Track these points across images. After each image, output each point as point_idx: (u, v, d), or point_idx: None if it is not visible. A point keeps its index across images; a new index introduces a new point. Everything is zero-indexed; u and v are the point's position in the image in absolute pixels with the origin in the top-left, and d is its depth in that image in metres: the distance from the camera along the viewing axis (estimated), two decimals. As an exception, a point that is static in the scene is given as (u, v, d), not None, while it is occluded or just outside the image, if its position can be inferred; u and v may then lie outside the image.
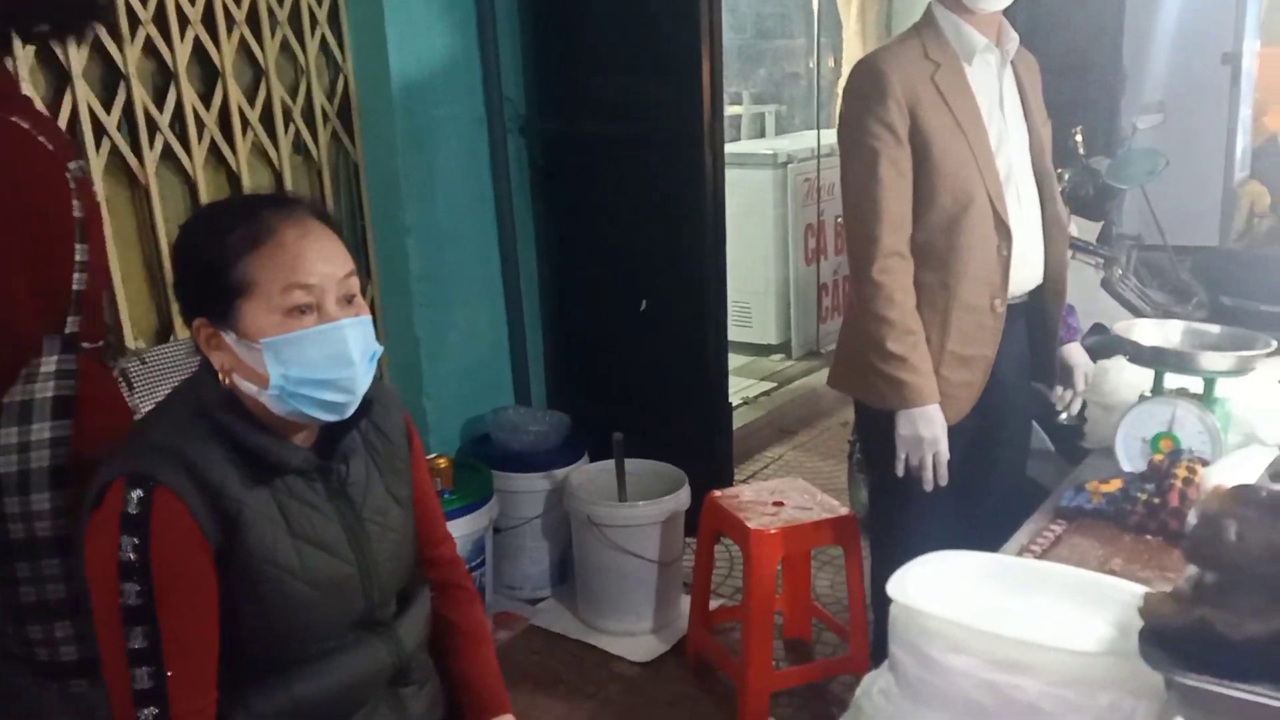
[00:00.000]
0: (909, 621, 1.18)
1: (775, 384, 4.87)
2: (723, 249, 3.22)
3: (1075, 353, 2.21)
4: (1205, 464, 1.75)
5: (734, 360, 5.12)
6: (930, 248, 1.97)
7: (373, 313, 3.05)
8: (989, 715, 1.10)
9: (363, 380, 1.27)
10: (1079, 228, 4.12)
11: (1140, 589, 1.23)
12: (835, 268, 5.34)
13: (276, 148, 2.82)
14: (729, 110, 6.45)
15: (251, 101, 2.76)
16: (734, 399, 4.61)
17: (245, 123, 2.73)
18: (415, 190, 3.05)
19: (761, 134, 6.47)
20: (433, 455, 2.86)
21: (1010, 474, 2.24)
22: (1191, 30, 6.59)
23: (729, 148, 5.67)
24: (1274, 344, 1.86)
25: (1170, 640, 0.85)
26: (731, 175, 5.08)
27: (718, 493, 2.79)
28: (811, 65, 6.35)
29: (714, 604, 2.99)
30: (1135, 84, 6.52)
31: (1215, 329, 1.97)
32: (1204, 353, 1.87)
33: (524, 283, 3.42)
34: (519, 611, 3.15)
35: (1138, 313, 3.57)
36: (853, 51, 6.37)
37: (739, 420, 4.40)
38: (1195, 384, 1.88)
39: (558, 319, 3.55)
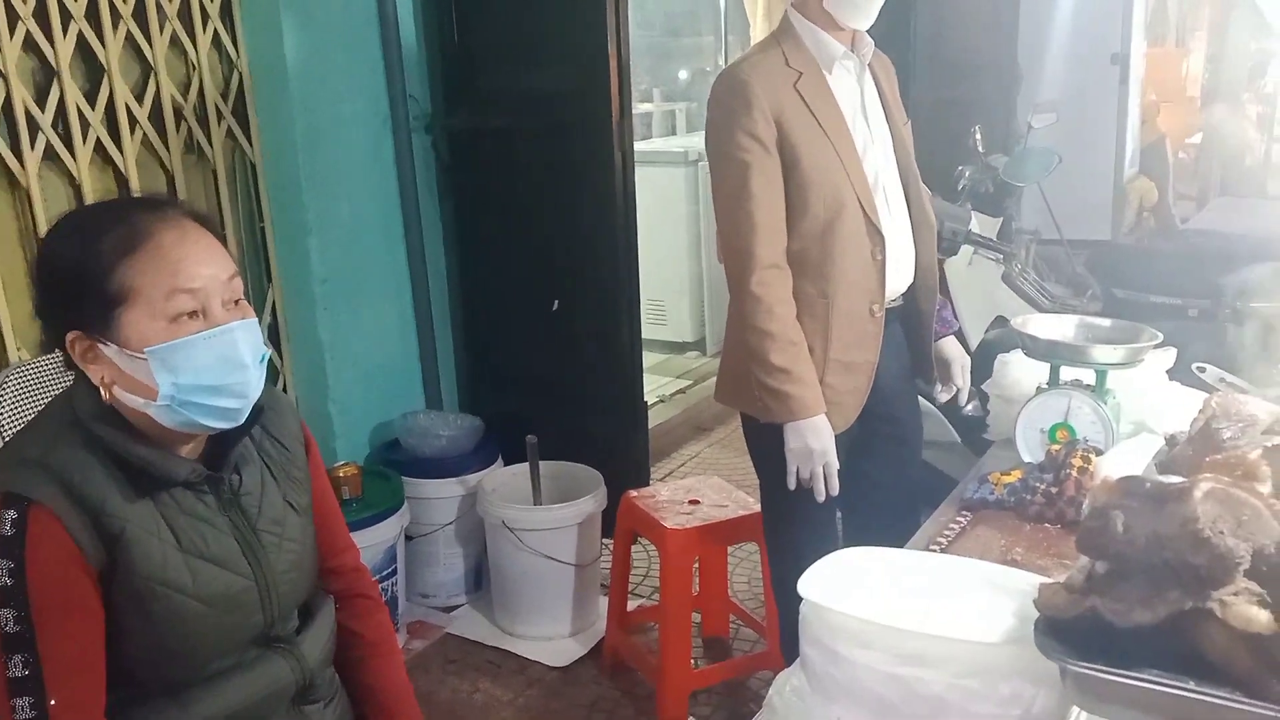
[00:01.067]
0: (817, 619, 1.18)
1: (691, 381, 4.90)
2: (635, 246, 3.21)
3: (950, 346, 2.23)
4: (1099, 453, 1.80)
5: (649, 358, 5.12)
6: (806, 257, 1.96)
7: (274, 317, 3.00)
8: (896, 709, 1.11)
9: (255, 384, 1.23)
10: (979, 224, 4.22)
11: (1039, 579, 1.27)
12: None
13: (167, 147, 2.72)
14: (640, 108, 6.45)
15: (140, 99, 2.65)
16: (650, 397, 4.63)
17: (133, 121, 2.63)
18: (317, 190, 2.97)
19: (673, 132, 6.49)
20: (340, 463, 2.80)
21: (905, 473, 2.26)
22: (1082, 31, 6.81)
23: (640, 145, 5.69)
24: (1160, 336, 1.92)
25: (1063, 630, 0.87)
26: (643, 173, 5.08)
27: (634, 493, 2.79)
28: (721, 63, 6.40)
29: (632, 605, 2.98)
30: (1030, 83, 6.71)
31: (1107, 322, 2.03)
32: (1096, 346, 1.92)
33: (432, 283, 3.36)
34: (433, 620, 3.10)
35: (1037, 306, 3.66)
36: (759, 52, 6.43)
37: (655, 419, 4.40)
38: (1089, 376, 1.93)
39: (469, 320, 3.50)
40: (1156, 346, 1.93)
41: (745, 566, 3.34)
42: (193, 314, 1.17)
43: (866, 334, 2.02)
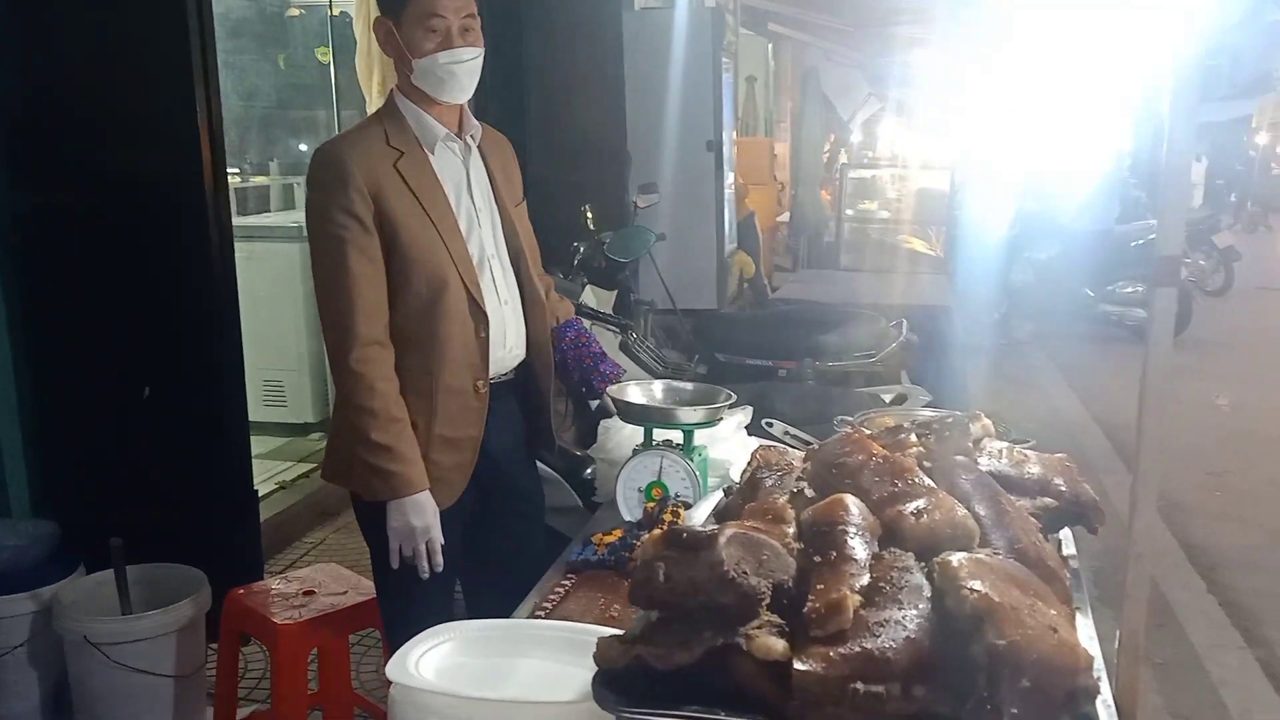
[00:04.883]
0: (406, 700, 1.16)
1: (314, 465, 4.67)
2: (237, 325, 3.04)
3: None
4: (688, 506, 1.94)
5: (267, 442, 4.84)
6: (409, 333, 1.96)
7: None
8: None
9: None
10: (596, 297, 4.45)
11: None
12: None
13: None
14: (255, 181, 6.18)
15: None
16: (267, 484, 4.35)
17: None
18: None
19: (293, 206, 6.26)
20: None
21: (528, 543, 2.27)
22: (683, 119, 7.47)
23: (257, 220, 5.44)
24: (734, 396, 2.12)
25: (617, 680, 0.91)
26: (261, 248, 4.87)
27: (240, 590, 2.59)
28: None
29: (245, 711, 2.76)
30: (639, 166, 7.25)
31: (690, 386, 2.20)
32: (680, 408, 2.07)
33: (-1, 375, 2.97)
34: (4, 760, 2.68)
35: (653, 373, 3.89)
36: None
37: (274, 507, 4.15)
38: (678, 436, 2.08)
39: (44, 414, 3.12)
40: (732, 405, 2.12)
41: (374, 655, 3.21)
42: None
43: (470, 410, 2.03)
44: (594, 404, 3.27)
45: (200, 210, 2.92)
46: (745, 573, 0.90)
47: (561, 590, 1.79)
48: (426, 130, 2.01)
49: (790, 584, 0.93)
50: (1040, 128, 8.88)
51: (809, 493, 1.10)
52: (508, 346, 2.10)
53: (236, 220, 3.80)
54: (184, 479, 3.05)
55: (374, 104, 6.32)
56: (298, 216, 5.31)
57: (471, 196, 2.08)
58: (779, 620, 0.90)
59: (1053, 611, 0.84)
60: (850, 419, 2.39)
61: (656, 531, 0.98)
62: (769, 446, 1.31)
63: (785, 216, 11.50)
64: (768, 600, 0.91)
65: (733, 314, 6.22)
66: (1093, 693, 0.80)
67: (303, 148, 6.61)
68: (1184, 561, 4.00)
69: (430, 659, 1.24)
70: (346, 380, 1.92)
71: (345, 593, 2.59)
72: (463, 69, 1.96)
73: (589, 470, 3.27)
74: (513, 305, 2.12)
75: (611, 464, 2.27)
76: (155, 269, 2.98)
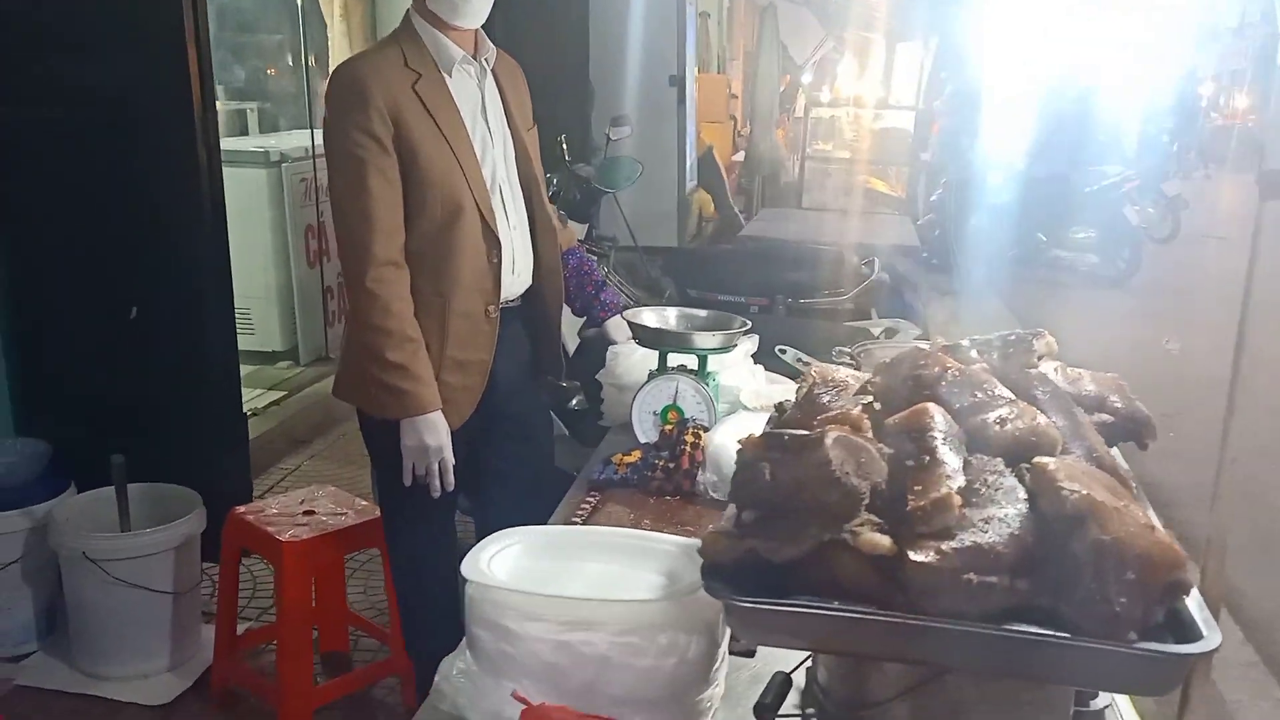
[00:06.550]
0: (484, 598, 1.20)
1: (285, 392, 4.65)
2: (225, 247, 3.00)
3: (617, 327, 2.34)
4: (705, 430, 1.99)
5: (237, 369, 4.80)
6: (423, 256, 1.97)
7: None
8: (565, 673, 1.16)
9: None
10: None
11: (674, 539, 1.39)
12: (338, 269, 5.21)
13: None
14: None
15: None
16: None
17: None
18: None
19: (244, 132, 6.10)
20: None
21: (536, 465, 2.31)
22: (645, 53, 7.41)
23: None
24: (749, 323, 2.17)
25: (726, 571, 0.97)
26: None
27: (242, 508, 2.61)
28: (297, 63, 6.14)
29: (240, 629, 2.78)
30: (602, 100, 7.19)
31: (703, 313, 2.24)
32: (697, 333, 2.12)
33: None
34: (-3, 674, 2.68)
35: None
36: (338, 52, 6.25)
37: (249, 433, 4.14)
38: (693, 361, 2.13)
39: (29, 333, 3.06)
40: (745, 333, 2.17)
41: (360, 576, 3.25)
42: None
43: (481, 334, 2.04)
44: (591, 332, 3.31)
45: (188, 131, 2.87)
46: (848, 473, 0.95)
47: (588, 506, 1.85)
48: (444, 52, 1.99)
49: (883, 486, 0.98)
50: (998, 72, 8.98)
51: (877, 407, 1.16)
52: (516, 272, 2.12)
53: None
54: (173, 399, 3.03)
55: (335, 29, 6.18)
56: (259, 143, 5.19)
57: (486, 121, 2.07)
58: (877, 519, 0.96)
59: (1140, 513, 0.91)
60: (848, 350, 2.47)
61: (754, 435, 1.03)
62: (820, 365, 1.36)
63: (740, 156, 11.51)
64: (867, 500, 0.96)
65: (705, 250, 6.26)
66: (1188, 586, 0.87)
67: (255, 73, 6.43)
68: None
69: (500, 561, 1.28)
70: (362, 300, 1.92)
71: (345, 513, 2.62)
72: None
73: (574, 400, 3.32)
74: (521, 231, 2.13)
75: (620, 389, 2.31)
76: (142, 187, 2.92)
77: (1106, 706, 1.26)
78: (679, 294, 4.54)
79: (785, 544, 0.94)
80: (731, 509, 1.07)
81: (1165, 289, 7.69)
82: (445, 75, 2.00)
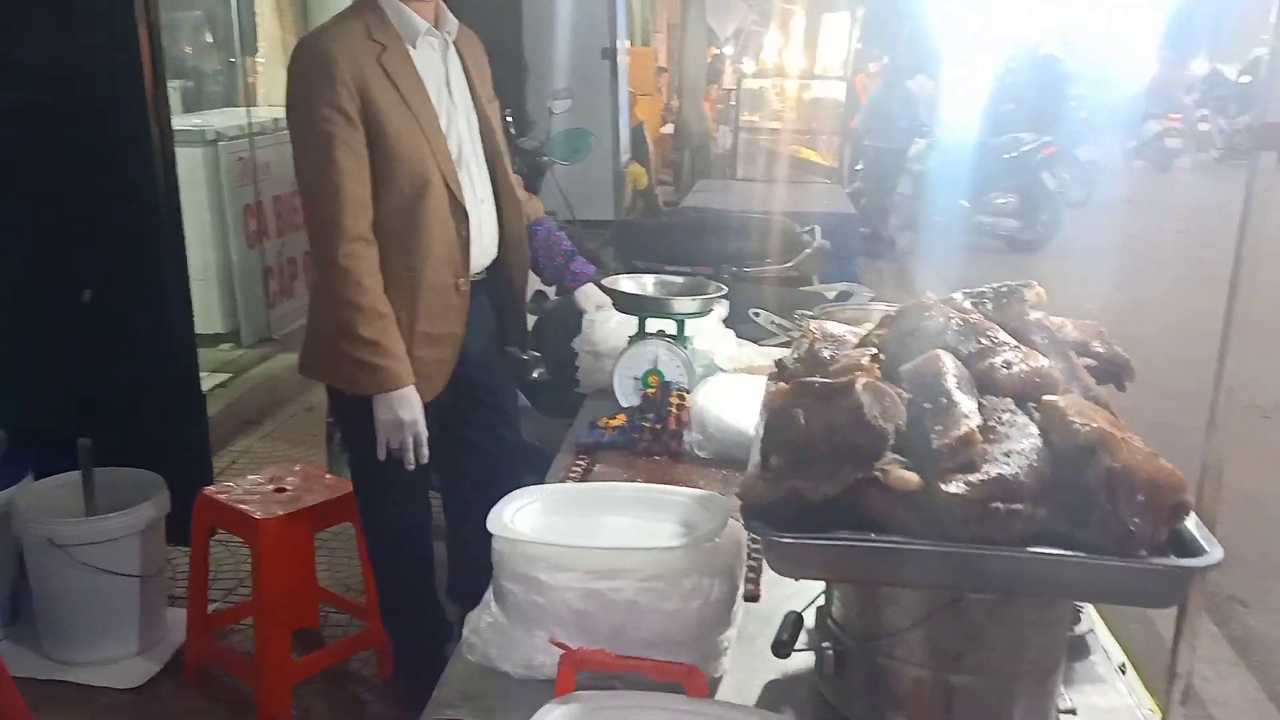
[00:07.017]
0: (514, 553, 1.25)
1: (230, 374, 4.58)
2: (180, 227, 2.96)
3: (591, 293, 2.36)
4: (687, 392, 2.05)
5: (178, 352, 4.70)
6: (392, 230, 1.96)
7: None
8: (595, 619, 1.21)
9: None
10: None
11: (680, 490, 1.45)
12: (279, 249, 5.14)
13: None
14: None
15: None
16: (192, 391, 4.25)
17: None
18: None
19: (179, 109, 5.95)
20: None
21: (506, 435, 2.35)
22: (577, 27, 7.39)
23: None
24: (725, 289, 2.23)
25: (765, 511, 1.03)
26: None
27: (210, 489, 2.59)
28: (219, 40, 6.00)
29: (210, 609, 2.77)
30: (538, 74, 7.17)
31: (680, 279, 2.30)
32: (676, 298, 2.17)
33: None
34: (-40, 666, 2.63)
35: (565, 282, 3.94)
36: (268, 28, 6.13)
37: (202, 415, 4.08)
38: (671, 326, 2.18)
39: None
40: (720, 298, 2.23)
41: (325, 551, 3.25)
42: None
43: (452, 307, 2.06)
44: (550, 304, 3.33)
45: (139, 111, 2.81)
46: (876, 415, 1.02)
47: (579, 468, 1.89)
48: (407, 24, 1.99)
49: (904, 428, 1.05)
50: (922, 43, 9.18)
51: (882, 358, 1.22)
52: (483, 245, 2.13)
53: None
54: (128, 382, 2.98)
55: (265, 4, 6.05)
56: (197, 120, 5.07)
57: (450, 94, 2.08)
58: (901, 458, 1.03)
59: (1140, 442, 1.00)
60: (811, 313, 2.55)
61: (783, 385, 1.09)
62: (819, 322, 1.43)
63: (669, 129, 11.55)
64: (892, 441, 1.03)
65: (646, 223, 6.29)
66: (1189, 507, 0.96)
67: (185, 50, 6.25)
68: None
69: (523, 517, 1.33)
70: (333, 276, 1.92)
71: (316, 490, 2.62)
72: None
73: (536, 372, 3.35)
74: (488, 204, 2.15)
75: (597, 355, 2.35)
76: (94, 168, 2.86)
77: (1089, 631, 1.37)
78: (624, 266, 4.58)
79: (823, 482, 1.00)
80: (756, 456, 1.13)
81: (1084, 251, 7.97)
82: (410, 47, 2.00)
